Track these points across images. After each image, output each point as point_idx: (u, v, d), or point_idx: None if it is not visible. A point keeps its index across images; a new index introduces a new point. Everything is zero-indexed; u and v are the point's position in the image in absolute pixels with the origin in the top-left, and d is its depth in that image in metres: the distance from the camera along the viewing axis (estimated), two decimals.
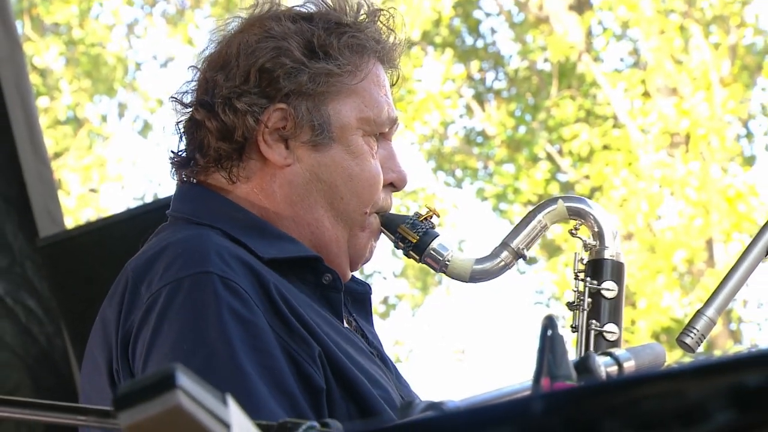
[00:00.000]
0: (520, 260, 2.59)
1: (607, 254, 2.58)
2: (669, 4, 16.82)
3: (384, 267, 18.47)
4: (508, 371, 20.10)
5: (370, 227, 2.50)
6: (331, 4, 2.52)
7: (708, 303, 2.53)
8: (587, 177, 16.97)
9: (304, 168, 2.45)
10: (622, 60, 18.09)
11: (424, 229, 2.53)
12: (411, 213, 2.56)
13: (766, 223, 2.58)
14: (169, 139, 2.55)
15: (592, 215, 2.61)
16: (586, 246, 2.61)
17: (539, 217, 2.60)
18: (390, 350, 18.87)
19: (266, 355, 2.19)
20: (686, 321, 2.55)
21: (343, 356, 2.28)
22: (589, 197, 17.41)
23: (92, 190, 16.26)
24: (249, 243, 2.35)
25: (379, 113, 2.49)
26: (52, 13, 16.67)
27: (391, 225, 2.54)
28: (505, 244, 2.58)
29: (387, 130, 2.53)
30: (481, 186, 17.93)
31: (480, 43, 18.55)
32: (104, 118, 17.51)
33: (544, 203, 2.63)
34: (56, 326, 4.39)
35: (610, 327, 2.55)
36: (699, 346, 2.52)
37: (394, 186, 2.54)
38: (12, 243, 4.34)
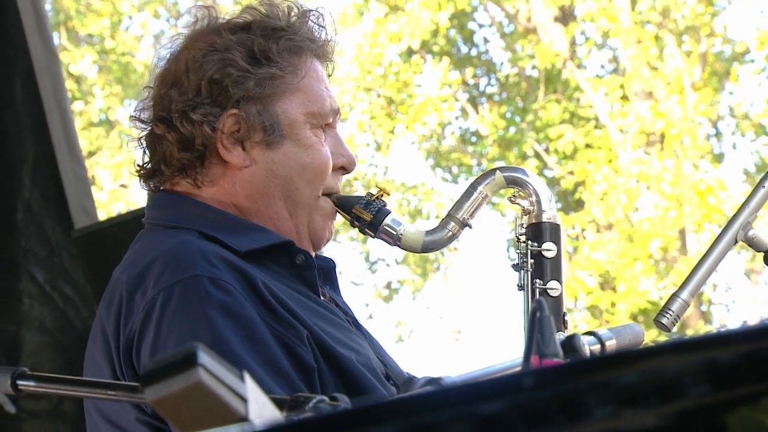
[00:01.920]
0: (466, 229, 2.56)
1: (544, 217, 2.52)
2: (645, 16, 16.81)
3: (387, 255, 18.49)
4: (500, 350, 20.09)
5: (323, 211, 2.48)
6: (264, 11, 2.48)
7: (682, 287, 2.52)
8: (571, 173, 16.95)
9: (260, 167, 2.42)
10: (602, 67, 18.09)
11: (377, 208, 2.49)
12: (399, 199, 2.54)
13: (734, 215, 2.57)
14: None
15: (529, 183, 2.54)
16: (525, 211, 2.55)
17: (480, 188, 2.54)
18: (392, 330, 18.82)
19: (260, 344, 2.17)
20: (662, 303, 2.53)
21: (326, 336, 2.27)
22: (573, 191, 17.47)
23: (123, 186, 16.24)
24: (223, 239, 2.33)
25: (323, 106, 2.47)
26: (86, 25, 16.67)
27: (346, 206, 2.51)
28: (450, 216, 2.53)
29: (331, 120, 2.50)
30: None
31: (474, 52, 18.54)
32: None
33: (483, 175, 2.57)
34: (90, 311, 4.38)
35: (552, 284, 2.51)
36: (674, 326, 2.51)
37: (344, 169, 2.52)
38: (50, 236, 4.32)
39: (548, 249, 2.52)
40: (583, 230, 16.80)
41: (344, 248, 18.55)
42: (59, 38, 16.04)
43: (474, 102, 18.34)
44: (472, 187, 2.56)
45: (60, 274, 4.34)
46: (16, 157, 4.32)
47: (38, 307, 4.31)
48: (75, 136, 4.46)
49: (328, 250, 2.61)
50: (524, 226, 2.56)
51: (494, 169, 2.58)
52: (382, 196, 2.52)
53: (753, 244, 2.55)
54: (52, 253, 4.34)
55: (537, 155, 17.39)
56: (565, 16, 17.57)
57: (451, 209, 2.56)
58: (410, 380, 2.36)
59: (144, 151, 2.48)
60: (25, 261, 4.33)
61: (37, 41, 4.27)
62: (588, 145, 16.92)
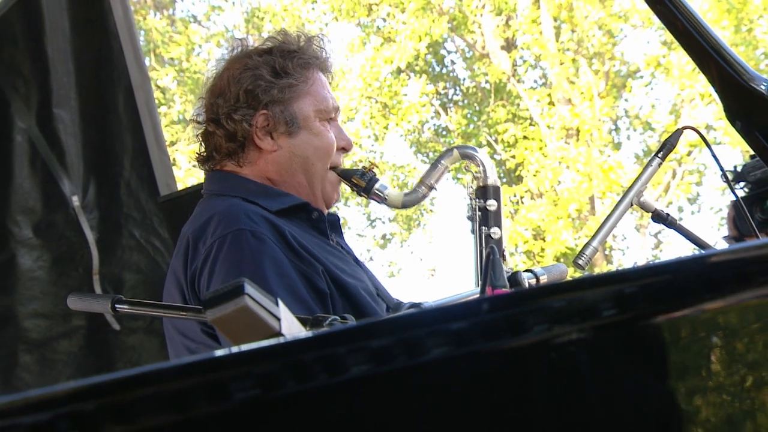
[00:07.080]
0: (433, 191, 2.51)
1: (489, 182, 2.49)
2: (566, 45, 16.77)
3: (383, 215, 18.52)
4: (463, 283, 20.15)
5: (331, 181, 2.45)
6: (281, 39, 2.45)
7: (593, 237, 2.50)
8: (513, 157, 16.94)
9: (285, 150, 2.39)
10: (535, 81, 18.02)
11: (369, 177, 2.46)
12: (379, 173, 2.52)
13: (629, 186, 2.54)
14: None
15: (478, 157, 2.50)
16: (474, 177, 2.52)
17: (442, 161, 2.50)
18: (386, 269, 18.75)
19: (287, 278, 2.14)
20: (578, 249, 2.51)
21: (336, 269, 2.24)
22: (515, 170, 17.38)
23: (194, 166, 16.16)
24: (260, 202, 2.30)
25: (327, 105, 2.43)
26: (168, 51, 16.57)
27: (347, 176, 2.46)
28: (422, 182, 2.49)
29: (334, 115, 2.46)
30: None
31: (444, 71, 18.48)
32: None
33: (444, 153, 2.52)
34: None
35: (494, 230, 2.46)
36: (587, 265, 2.49)
37: (344, 149, 2.48)
38: (144, 205, 4.30)
39: (491, 204, 2.50)
40: (521, 197, 16.80)
41: (352, 210, 18.59)
42: (149, 61, 15.95)
43: (444, 106, 18.30)
44: (437, 161, 2.53)
45: (151, 232, 4.32)
46: (119, 149, 4.30)
47: (136, 255, 4.29)
48: (161, 134, 4.41)
49: (340, 213, 2.58)
50: (474, 188, 2.54)
51: (452, 148, 2.56)
52: (372, 168, 2.50)
53: (643, 206, 2.53)
54: (145, 217, 4.32)
55: (489, 144, 17.37)
56: (509, 45, 17.52)
57: (422, 176, 2.53)
58: (398, 304, 2.34)
59: (200, 144, 2.46)
60: (126, 223, 4.31)
61: (134, 65, 4.23)
62: (525, 137, 16.90)
